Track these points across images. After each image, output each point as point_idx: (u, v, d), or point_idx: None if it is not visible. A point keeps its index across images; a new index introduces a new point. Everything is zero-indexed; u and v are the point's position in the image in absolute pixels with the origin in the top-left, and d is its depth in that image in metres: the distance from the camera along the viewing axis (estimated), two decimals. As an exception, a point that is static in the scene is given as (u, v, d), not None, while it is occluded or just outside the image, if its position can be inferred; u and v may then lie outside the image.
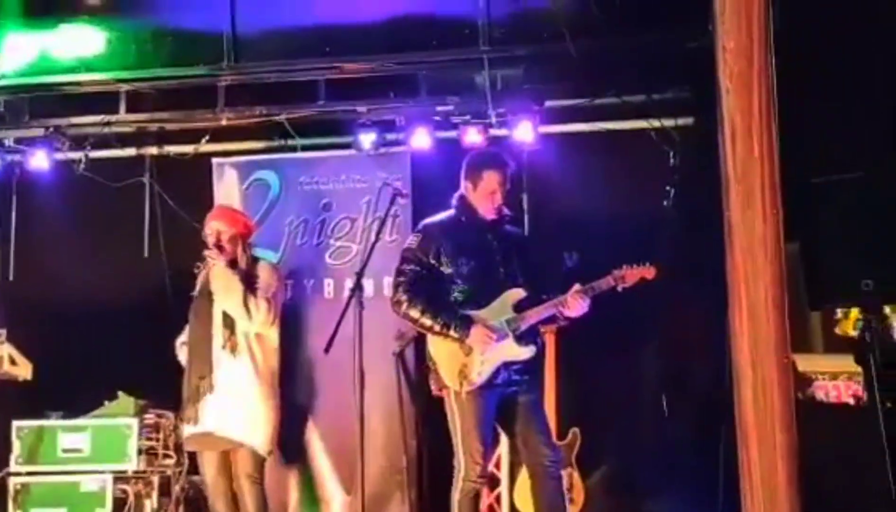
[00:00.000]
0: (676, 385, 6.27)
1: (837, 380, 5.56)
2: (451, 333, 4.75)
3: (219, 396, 5.15)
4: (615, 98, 6.37)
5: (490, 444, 4.89)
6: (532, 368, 4.91)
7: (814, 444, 4.20)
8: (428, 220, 5.03)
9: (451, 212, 5.00)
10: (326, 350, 4.93)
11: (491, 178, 4.93)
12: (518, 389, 4.82)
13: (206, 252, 5.28)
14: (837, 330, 5.58)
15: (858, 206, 4.46)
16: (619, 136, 6.53)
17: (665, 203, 6.44)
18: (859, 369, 4.86)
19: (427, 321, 4.79)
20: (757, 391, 4.09)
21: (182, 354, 5.39)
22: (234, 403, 5.16)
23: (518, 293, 4.83)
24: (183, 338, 5.42)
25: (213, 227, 5.35)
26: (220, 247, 5.28)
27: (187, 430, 5.26)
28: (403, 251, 4.98)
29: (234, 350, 5.18)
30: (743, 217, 4.17)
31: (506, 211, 5.01)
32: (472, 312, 4.81)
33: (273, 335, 5.35)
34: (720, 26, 4.32)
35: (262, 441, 5.19)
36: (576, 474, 5.87)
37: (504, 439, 5.29)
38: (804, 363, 5.75)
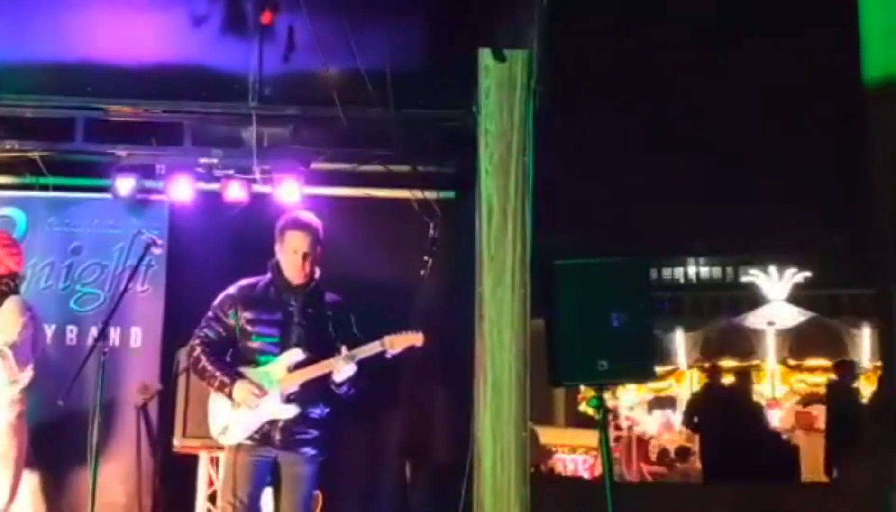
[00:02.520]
0: (419, 453, 6.36)
1: (576, 453, 5.78)
2: (217, 386, 4.89)
3: None
4: (381, 166, 6.48)
5: (249, 502, 4.88)
6: (314, 431, 4.96)
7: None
8: (240, 281, 5.10)
9: (268, 274, 5.07)
10: (64, 398, 4.76)
11: (292, 240, 5.01)
12: (293, 455, 4.90)
13: None
14: (580, 406, 5.84)
15: (597, 289, 4.72)
16: (383, 203, 6.63)
17: (422, 273, 6.57)
18: (595, 443, 5.11)
19: (207, 374, 4.93)
20: (496, 462, 4.23)
21: None
22: None
23: (296, 354, 4.91)
24: None
25: None
26: None
27: None
28: (209, 311, 5.08)
29: None
30: (493, 292, 4.34)
31: (316, 276, 5.06)
32: (248, 370, 4.91)
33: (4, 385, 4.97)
34: (483, 109, 4.53)
35: None
36: (315, 538, 5.82)
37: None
38: (547, 435, 5.97)
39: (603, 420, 4.69)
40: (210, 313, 5.06)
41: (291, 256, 5.01)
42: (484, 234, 4.39)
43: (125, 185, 6.26)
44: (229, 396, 4.88)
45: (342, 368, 4.91)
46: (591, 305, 4.59)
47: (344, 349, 4.94)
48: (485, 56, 4.68)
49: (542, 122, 4.89)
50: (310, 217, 5.20)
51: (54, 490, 5.99)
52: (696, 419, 10.83)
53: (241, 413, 4.87)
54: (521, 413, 4.25)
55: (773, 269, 20.47)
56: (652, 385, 15.08)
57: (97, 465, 4.87)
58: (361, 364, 4.95)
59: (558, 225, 5.27)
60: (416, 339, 4.99)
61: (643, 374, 5.29)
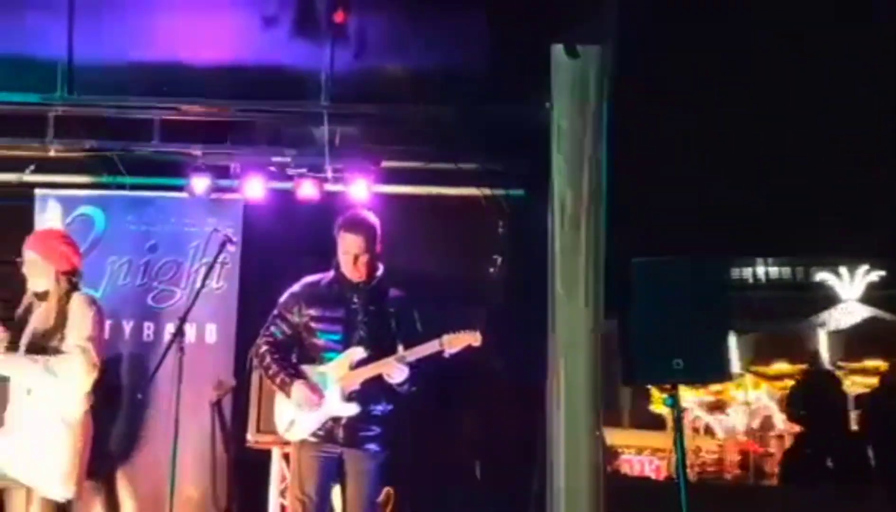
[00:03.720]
0: (491, 452, 6.37)
1: (642, 454, 5.75)
2: (278, 385, 4.93)
3: (10, 435, 4.88)
4: (450, 164, 6.49)
5: (317, 498, 4.91)
6: (377, 428, 4.97)
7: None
8: (305, 279, 5.12)
9: (331, 271, 5.08)
10: (142, 393, 4.84)
11: (347, 241, 5.01)
12: (357, 452, 4.92)
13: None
14: (651, 406, 5.81)
15: (674, 288, 4.69)
16: (452, 201, 6.64)
17: (491, 271, 6.58)
18: (663, 445, 5.08)
19: (270, 373, 4.98)
20: (569, 462, 4.21)
21: None
22: (27, 444, 4.85)
23: (358, 352, 4.92)
24: None
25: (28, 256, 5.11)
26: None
27: None
28: (275, 309, 5.10)
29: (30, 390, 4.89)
30: (565, 292, 4.32)
31: (378, 273, 5.06)
32: (310, 368, 4.94)
33: (84, 379, 5.06)
34: (556, 106, 4.51)
35: (57, 486, 4.88)
36: (387, 534, 5.85)
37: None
38: (612, 437, 5.94)
39: (678, 419, 4.66)
40: (276, 311, 5.10)
41: (344, 257, 5.03)
42: (556, 232, 4.38)
43: (200, 183, 6.35)
44: (288, 396, 4.93)
45: (394, 370, 4.91)
46: (667, 303, 4.56)
47: (400, 349, 4.95)
48: (557, 53, 4.67)
49: (615, 118, 4.87)
50: (364, 217, 5.18)
51: (133, 483, 6.11)
52: (802, 412, 10.45)
53: (304, 411, 4.91)
54: (594, 413, 4.24)
55: (843, 269, 20.08)
56: (712, 387, 14.85)
57: (175, 459, 4.94)
58: (420, 363, 4.95)
59: (631, 223, 5.23)
60: (473, 338, 4.95)
61: (719, 374, 5.23)
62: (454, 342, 4.92)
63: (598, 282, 4.28)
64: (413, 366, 4.88)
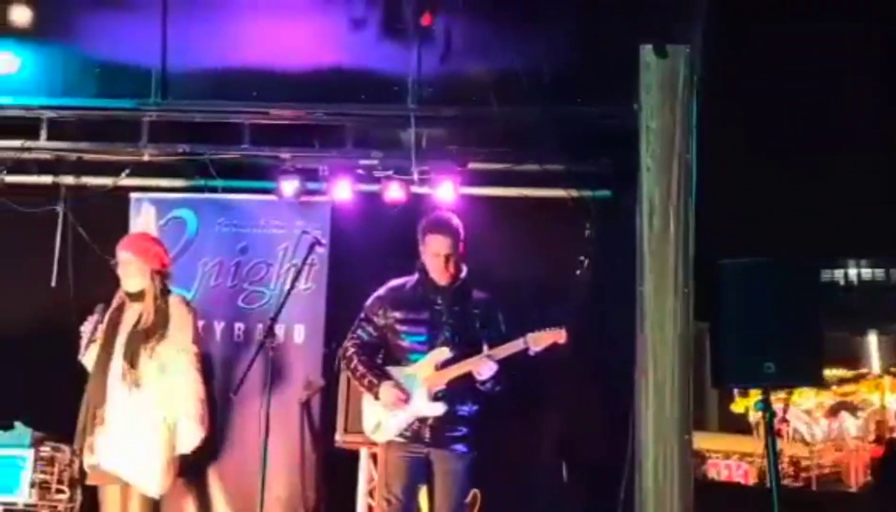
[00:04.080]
0: (576, 452, 6.34)
1: (730, 459, 5.68)
2: (366, 387, 4.98)
3: (110, 431, 4.98)
4: (536, 165, 6.49)
5: (404, 498, 4.94)
6: (464, 428, 4.99)
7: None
8: (390, 283, 5.16)
9: (415, 274, 5.12)
10: (234, 392, 4.93)
11: (432, 243, 5.04)
12: (444, 452, 4.94)
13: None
14: (735, 408, 5.72)
15: (765, 289, 4.62)
16: (538, 203, 6.64)
17: (578, 273, 6.55)
18: (751, 450, 5.01)
19: (357, 375, 5.03)
20: (658, 466, 4.18)
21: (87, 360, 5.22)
22: (125, 440, 4.97)
23: (443, 353, 4.94)
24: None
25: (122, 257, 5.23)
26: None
27: (87, 460, 5.10)
28: (361, 312, 5.15)
29: (136, 385, 5.00)
30: (655, 291, 4.29)
31: (463, 275, 5.08)
32: (396, 369, 4.97)
33: (190, 379, 5.16)
34: (644, 106, 4.47)
35: (153, 483, 5.01)
36: (474, 535, 5.86)
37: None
38: (699, 441, 5.86)
39: (770, 424, 4.58)
40: (362, 315, 5.15)
41: (433, 259, 5.04)
42: (645, 232, 4.34)
43: (289, 186, 6.44)
44: (376, 397, 4.97)
45: (483, 368, 4.92)
46: (759, 305, 4.49)
47: (485, 348, 4.96)
48: (646, 52, 4.63)
49: (703, 118, 4.82)
50: (449, 218, 5.21)
51: (224, 481, 6.21)
52: None
53: (391, 411, 4.95)
54: (685, 415, 4.19)
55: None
56: (838, 389, 14.41)
57: (266, 458, 5.02)
58: (505, 362, 4.95)
59: (720, 224, 5.17)
60: (559, 336, 4.94)
61: (812, 378, 5.13)
62: (539, 340, 4.91)
63: (687, 282, 4.23)
64: (499, 364, 4.89)
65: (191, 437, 5.08)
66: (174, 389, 5.03)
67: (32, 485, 5.79)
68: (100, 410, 4.99)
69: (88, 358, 5.18)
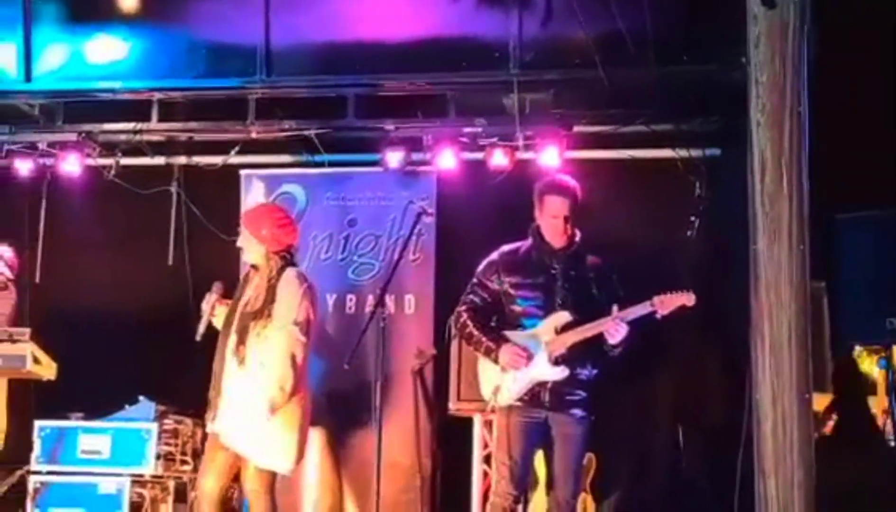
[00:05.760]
0: (692, 416, 6.26)
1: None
2: (483, 351, 4.97)
3: (228, 403, 4.96)
4: (643, 126, 6.39)
5: (522, 462, 4.96)
6: (583, 392, 4.98)
7: (824, 479, 4.20)
8: (502, 247, 5.15)
9: (529, 239, 5.11)
10: (349, 362, 4.98)
11: (551, 204, 5.02)
12: (563, 416, 4.93)
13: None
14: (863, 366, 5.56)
15: (884, 243, 4.47)
16: (646, 164, 6.55)
17: (689, 234, 6.45)
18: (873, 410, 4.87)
19: (473, 340, 5.02)
20: (777, 426, 4.09)
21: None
22: (241, 414, 4.92)
23: (564, 316, 4.92)
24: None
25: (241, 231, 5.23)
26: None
27: (209, 427, 5.07)
28: (473, 278, 5.15)
29: (241, 362, 4.94)
30: (769, 249, 4.18)
31: (577, 239, 5.06)
32: (514, 333, 4.96)
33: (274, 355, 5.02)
34: (753, 59, 4.35)
35: (272, 459, 4.94)
36: (589, 499, 5.85)
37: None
38: (817, 402, 5.72)
39: (892, 382, 4.45)
40: (474, 280, 5.14)
41: (551, 221, 5.01)
42: (757, 189, 4.22)
43: (395, 157, 6.48)
44: (495, 360, 4.95)
45: (614, 329, 4.88)
46: (879, 259, 4.35)
47: (615, 310, 4.91)
48: (753, 3, 4.49)
49: (814, 69, 4.67)
50: (567, 180, 5.18)
51: (342, 450, 6.32)
52: None
53: (510, 376, 4.93)
54: (804, 375, 4.08)
55: None
56: None
57: (381, 426, 5.07)
58: (630, 325, 4.91)
59: (835, 178, 5.01)
60: (687, 299, 4.89)
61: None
62: (667, 303, 4.86)
63: (802, 239, 4.11)
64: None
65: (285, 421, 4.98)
66: (270, 366, 4.93)
67: (158, 457, 5.97)
68: (219, 381, 5.03)
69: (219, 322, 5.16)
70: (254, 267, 5.14)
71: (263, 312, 5.00)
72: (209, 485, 4.94)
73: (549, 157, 6.28)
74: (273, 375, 4.88)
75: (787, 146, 4.20)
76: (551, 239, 5.03)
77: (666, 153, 6.47)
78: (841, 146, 5.27)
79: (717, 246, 6.13)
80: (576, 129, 6.41)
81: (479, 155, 6.54)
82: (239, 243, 5.21)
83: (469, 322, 5.06)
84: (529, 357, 4.89)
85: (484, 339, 4.99)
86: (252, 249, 5.12)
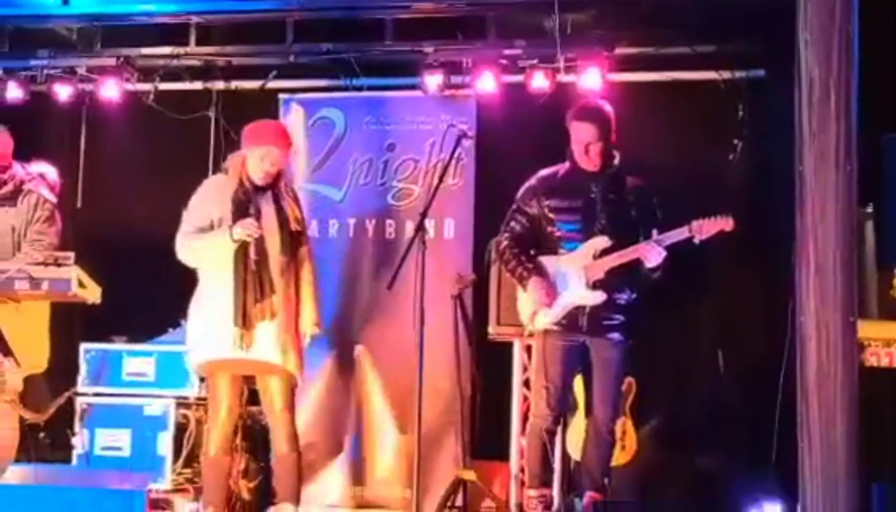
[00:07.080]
0: (733, 340, 6.25)
1: (891, 347, 5.46)
2: (517, 279, 5.03)
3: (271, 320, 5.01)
4: (685, 47, 6.29)
5: (561, 385, 5.00)
6: (621, 316, 4.99)
7: (865, 407, 4.18)
8: (540, 172, 5.15)
9: (566, 163, 5.09)
10: (389, 287, 5.06)
11: (578, 130, 5.00)
12: (601, 340, 4.96)
13: None
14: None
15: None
16: (688, 86, 6.46)
17: (731, 157, 6.38)
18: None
19: (509, 267, 5.08)
20: (821, 350, 4.06)
21: None
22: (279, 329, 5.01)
23: (602, 241, 4.93)
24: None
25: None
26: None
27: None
28: (513, 204, 5.16)
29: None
30: (815, 171, 4.11)
31: (616, 162, 5.03)
32: (551, 259, 4.98)
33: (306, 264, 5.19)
34: (801, -24, 4.23)
35: (296, 367, 5.07)
36: (629, 423, 5.87)
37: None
38: (859, 329, 5.66)
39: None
40: (514, 206, 5.15)
41: (576, 146, 5.02)
42: (804, 109, 4.13)
43: (433, 81, 6.41)
44: (524, 289, 5.01)
45: (651, 254, 4.86)
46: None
47: (654, 233, 4.89)
48: (802, -81, 4.36)
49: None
50: (596, 105, 5.15)
51: (381, 375, 6.37)
52: None
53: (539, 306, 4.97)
54: (849, 297, 4.03)
55: None
56: None
57: (422, 351, 5.11)
58: (668, 249, 4.88)
59: (884, 99, 4.91)
60: (726, 223, 4.87)
61: None
62: (705, 228, 4.84)
63: (850, 159, 4.03)
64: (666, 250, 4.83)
65: None
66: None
67: (201, 379, 6.03)
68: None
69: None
70: (257, 189, 5.06)
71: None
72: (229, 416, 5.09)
73: (591, 79, 6.20)
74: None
75: (836, 65, 4.09)
76: (583, 164, 5.00)
77: (709, 75, 6.38)
78: (890, 67, 5.15)
79: (760, 169, 6.06)
80: (617, 50, 6.30)
81: (519, 77, 6.46)
82: (278, 166, 5.14)
83: (507, 250, 5.09)
84: (554, 296, 4.91)
85: (518, 267, 5.02)
86: (279, 165, 5.10)
